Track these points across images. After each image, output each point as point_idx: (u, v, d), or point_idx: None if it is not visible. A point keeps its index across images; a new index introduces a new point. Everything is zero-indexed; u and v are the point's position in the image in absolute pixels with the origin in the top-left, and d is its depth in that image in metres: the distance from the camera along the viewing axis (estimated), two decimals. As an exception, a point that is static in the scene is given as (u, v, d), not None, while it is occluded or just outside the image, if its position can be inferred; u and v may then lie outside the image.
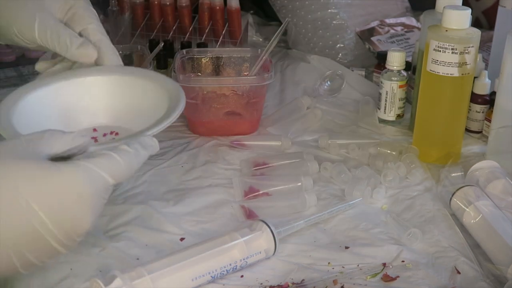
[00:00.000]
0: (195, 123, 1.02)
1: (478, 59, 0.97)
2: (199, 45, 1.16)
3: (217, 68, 1.09)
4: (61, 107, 0.79)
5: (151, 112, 0.74)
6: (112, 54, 0.81)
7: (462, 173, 0.87)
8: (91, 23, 0.81)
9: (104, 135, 0.80)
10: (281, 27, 1.03)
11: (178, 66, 1.03)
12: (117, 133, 0.80)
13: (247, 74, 1.06)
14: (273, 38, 1.01)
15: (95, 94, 0.81)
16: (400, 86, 1.03)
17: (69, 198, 0.54)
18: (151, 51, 1.05)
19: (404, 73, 1.03)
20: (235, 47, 1.18)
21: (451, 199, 0.79)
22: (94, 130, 0.81)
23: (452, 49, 0.85)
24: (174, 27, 1.21)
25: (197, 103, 1.00)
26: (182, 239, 0.74)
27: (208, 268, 0.65)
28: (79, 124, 0.79)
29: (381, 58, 1.17)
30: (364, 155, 0.94)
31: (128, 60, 1.08)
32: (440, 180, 0.87)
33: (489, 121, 0.97)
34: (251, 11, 1.58)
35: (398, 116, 1.05)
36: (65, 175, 0.54)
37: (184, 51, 1.07)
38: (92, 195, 0.55)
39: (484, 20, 1.56)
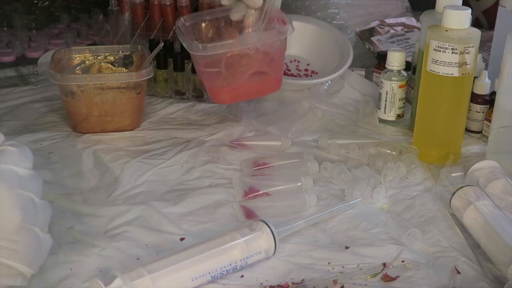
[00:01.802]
0: (219, 92, 0.96)
1: (478, 59, 0.97)
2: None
3: (219, 30, 1.02)
4: None
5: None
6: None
7: (462, 173, 0.87)
8: None
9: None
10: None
11: (187, 36, 0.97)
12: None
13: (252, 30, 0.97)
14: None
15: None
16: (400, 86, 1.03)
17: None
18: (151, 51, 1.05)
19: (404, 73, 1.03)
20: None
21: (451, 199, 0.79)
22: None
23: (452, 49, 0.85)
24: (174, 27, 1.21)
25: (219, 71, 0.93)
26: (182, 239, 0.74)
27: (208, 268, 0.65)
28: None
29: (381, 58, 1.17)
30: (364, 155, 0.94)
31: (128, 60, 1.08)
32: (440, 180, 0.87)
33: (489, 121, 0.97)
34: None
35: (398, 116, 1.05)
36: None
37: (182, 19, 1.01)
38: (5, 190, 0.56)
39: (484, 20, 1.56)
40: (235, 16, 0.97)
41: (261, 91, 0.98)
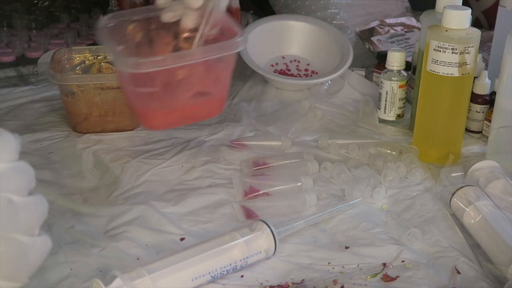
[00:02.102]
0: (152, 116, 0.81)
1: (478, 59, 0.97)
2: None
3: (148, 34, 0.84)
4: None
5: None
6: None
7: (462, 173, 0.87)
8: None
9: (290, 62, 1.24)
10: None
11: (111, 41, 0.80)
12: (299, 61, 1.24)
13: (189, 35, 0.81)
14: None
15: None
16: (400, 86, 1.03)
17: None
18: (151, 51, 1.04)
19: (404, 73, 1.03)
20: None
21: (451, 199, 0.79)
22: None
23: (452, 49, 0.85)
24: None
25: (154, 92, 0.78)
26: (182, 239, 0.74)
27: (208, 268, 0.65)
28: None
29: (381, 58, 1.17)
30: (364, 155, 0.94)
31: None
32: (440, 180, 0.87)
33: (489, 121, 0.97)
34: (251, 11, 1.58)
35: (398, 116, 1.05)
36: None
37: (104, 19, 0.83)
38: None
39: (484, 20, 1.56)
40: (166, 17, 0.80)
41: (201, 115, 0.84)
